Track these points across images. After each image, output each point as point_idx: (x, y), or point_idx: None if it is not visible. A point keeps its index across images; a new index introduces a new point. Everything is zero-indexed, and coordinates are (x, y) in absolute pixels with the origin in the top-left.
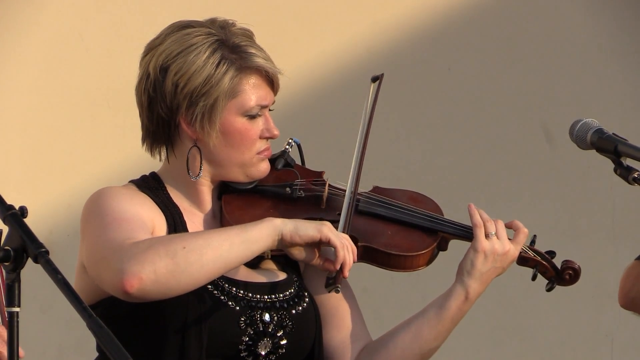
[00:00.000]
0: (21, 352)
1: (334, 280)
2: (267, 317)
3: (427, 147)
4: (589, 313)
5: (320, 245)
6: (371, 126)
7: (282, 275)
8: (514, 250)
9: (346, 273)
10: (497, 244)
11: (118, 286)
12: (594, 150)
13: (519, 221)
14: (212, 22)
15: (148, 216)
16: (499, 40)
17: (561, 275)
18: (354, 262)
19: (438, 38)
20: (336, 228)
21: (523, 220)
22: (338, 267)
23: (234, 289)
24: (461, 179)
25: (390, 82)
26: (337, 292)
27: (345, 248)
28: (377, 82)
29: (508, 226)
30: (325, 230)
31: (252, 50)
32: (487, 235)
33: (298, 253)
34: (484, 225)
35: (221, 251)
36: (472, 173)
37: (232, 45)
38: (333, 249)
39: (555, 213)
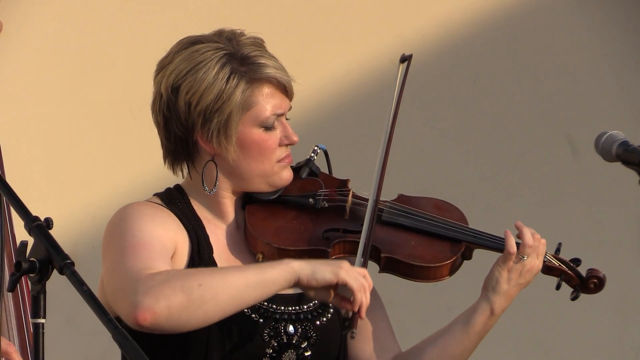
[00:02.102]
0: None
1: (350, 323)
2: (291, 328)
3: (452, 159)
4: (613, 326)
5: (337, 285)
6: (398, 113)
7: None
8: (538, 264)
9: (363, 315)
10: (523, 263)
11: (132, 318)
12: (620, 163)
13: (541, 232)
14: (219, 35)
15: (169, 237)
16: (524, 52)
17: (586, 283)
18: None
19: (463, 51)
20: (358, 238)
21: (548, 232)
22: (356, 309)
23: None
24: (486, 191)
25: (415, 94)
26: (353, 338)
27: (363, 290)
28: (406, 62)
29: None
30: (342, 274)
31: (262, 61)
32: (517, 259)
33: (313, 294)
34: (518, 249)
35: (237, 291)
36: (497, 185)
37: (241, 57)
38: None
39: (580, 225)
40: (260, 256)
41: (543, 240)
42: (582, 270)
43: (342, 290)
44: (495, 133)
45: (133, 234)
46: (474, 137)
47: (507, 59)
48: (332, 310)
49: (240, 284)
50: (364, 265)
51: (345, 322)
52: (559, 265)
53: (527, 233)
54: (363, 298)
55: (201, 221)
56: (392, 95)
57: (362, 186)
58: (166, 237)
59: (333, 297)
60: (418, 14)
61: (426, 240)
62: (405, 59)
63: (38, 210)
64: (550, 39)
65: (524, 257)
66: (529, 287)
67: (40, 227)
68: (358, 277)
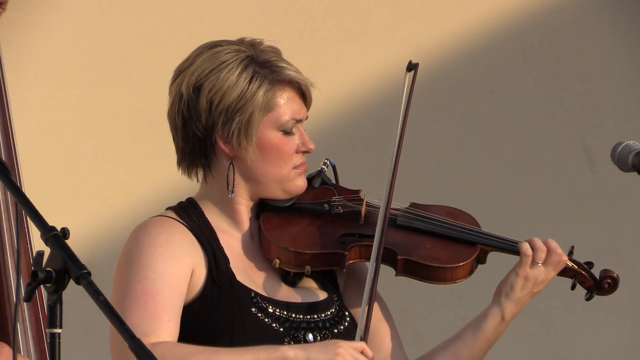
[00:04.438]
0: None
1: None
2: (310, 337)
3: (468, 168)
4: (628, 333)
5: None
6: (407, 120)
7: (322, 295)
8: (552, 277)
9: None
10: (540, 272)
11: None
12: (636, 173)
13: (557, 241)
14: (240, 41)
15: (185, 265)
16: (541, 62)
17: (600, 284)
18: (382, 289)
19: (480, 61)
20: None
21: (563, 241)
22: None
23: (277, 310)
24: (502, 201)
25: (432, 104)
26: None
27: None
28: (413, 71)
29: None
30: None
31: (283, 64)
32: (532, 265)
33: None
34: (533, 254)
35: None
36: (513, 194)
37: (262, 61)
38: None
39: (596, 235)
40: (277, 261)
41: (564, 258)
42: (596, 271)
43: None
44: (511, 143)
45: (145, 276)
46: (490, 147)
47: (524, 69)
48: (348, 319)
49: None
50: (364, 337)
51: None
52: (572, 266)
53: (542, 241)
54: None
55: (215, 233)
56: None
57: (375, 195)
58: (180, 272)
59: None
60: (434, 24)
61: (442, 242)
62: (412, 67)
63: (55, 220)
64: (566, 50)
65: (538, 263)
66: (543, 294)
67: (56, 237)
68: (356, 356)
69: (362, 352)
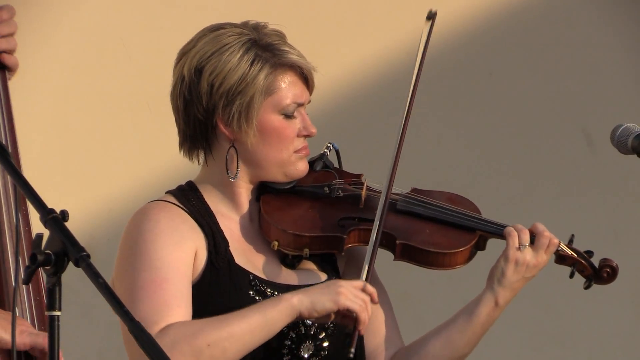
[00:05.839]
0: (61, 356)
1: (350, 340)
2: (308, 320)
3: (467, 152)
4: (629, 318)
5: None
6: (420, 78)
7: (322, 276)
8: (545, 259)
9: (362, 332)
10: (529, 255)
11: None
12: (635, 155)
13: (556, 225)
14: (244, 24)
15: (189, 249)
16: (540, 45)
17: (599, 273)
18: (380, 271)
19: (479, 43)
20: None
21: (563, 224)
22: (359, 328)
23: (276, 292)
24: (501, 184)
25: (431, 86)
26: (350, 358)
27: (365, 310)
28: (431, 20)
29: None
30: (342, 300)
31: (286, 48)
32: (519, 247)
33: (315, 319)
34: (518, 235)
35: (243, 341)
36: (512, 178)
37: (264, 44)
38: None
39: (595, 218)
40: (276, 244)
41: (555, 240)
42: (595, 260)
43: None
44: (511, 126)
45: (150, 265)
46: (489, 130)
47: (523, 51)
48: None
49: (245, 334)
50: (367, 278)
51: (346, 340)
52: (572, 254)
53: (509, 226)
54: (365, 317)
55: (214, 216)
56: (408, 87)
57: (376, 179)
58: (184, 256)
59: (334, 318)
60: (434, 8)
61: (441, 228)
62: (431, 16)
63: (54, 203)
64: (566, 32)
65: (525, 245)
66: (543, 279)
67: (56, 220)
68: (358, 297)
69: (363, 290)
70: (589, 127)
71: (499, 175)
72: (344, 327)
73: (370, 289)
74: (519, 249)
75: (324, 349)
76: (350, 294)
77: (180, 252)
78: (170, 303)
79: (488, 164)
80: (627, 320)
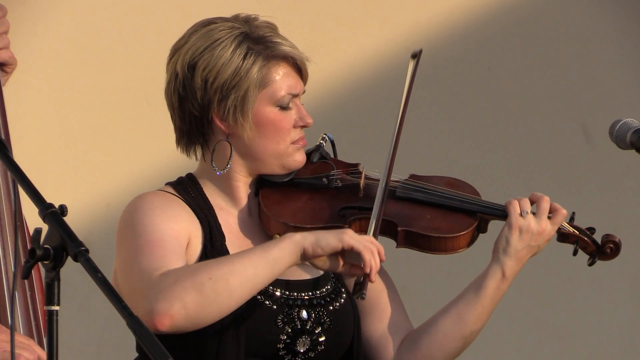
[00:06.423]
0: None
1: (361, 286)
2: (304, 314)
3: (466, 146)
4: (628, 312)
5: (345, 252)
6: (408, 105)
7: (319, 271)
8: (550, 229)
9: (373, 278)
10: (533, 222)
11: (150, 325)
12: (634, 151)
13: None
14: (235, 18)
15: (182, 228)
16: (538, 40)
17: (602, 249)
18: (382, 263)
19: (478, 38)
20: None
21: None
22: (367, 270)
23: (271, 287)
24: (499, 178)
25: (430, 81)
26: (363, 298)
27: (370, 251)
28: (416, 58)
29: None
30: (346, 238)
31: (278, 40)
32: (521, 213)
33: (322, 264)
34: (519, 203)
35: (247, 276)
36: (510, 172)
37: (256, 37)
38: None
39: (594, 213)
40: (277, 237)
41: (564, 211)
42: (597, 238)
43: (350, 257)
44: (509, 121)
45: (145, 230)
46: (487, 124)
47: (521, 46)
48: (344, 296)
49: (248, 269)
50: (374, 235)
51: (357, 286)
52: (574, 231)
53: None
54: (372, 260)
55: (213, 209)
56: (405, 83)
57: (372, 169)
58: (178, 229)
59: (342, 265)
60: (432, 1)
61: (441, 213)
62: (416, 54)
63: (52, 198)
64: (564, 27)
65: (527, 211)
66: (541, 271)
67: (54, 214)
68: (363, 240)
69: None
70: (588, 122)
71: (497, 170)
72: (353, 276)
73: (379, 245)
74: (521, 215)
75: (320, 343)
76: (357, 236)
77: (174, 225)
78: (169, 256)
79: (485, 158)
80: (625, 315)
